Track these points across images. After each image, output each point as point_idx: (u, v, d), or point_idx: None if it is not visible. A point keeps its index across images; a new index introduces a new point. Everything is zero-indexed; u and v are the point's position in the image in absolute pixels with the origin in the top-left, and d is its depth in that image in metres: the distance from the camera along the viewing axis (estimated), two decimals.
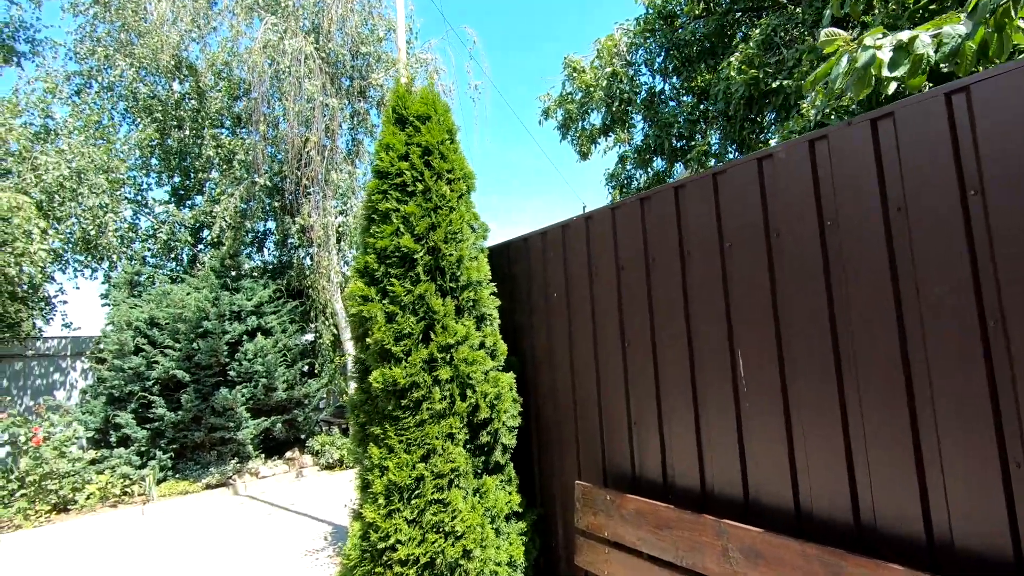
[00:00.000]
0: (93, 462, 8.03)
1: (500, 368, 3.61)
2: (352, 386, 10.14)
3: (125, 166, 9.69)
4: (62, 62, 10.69)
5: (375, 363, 3.42)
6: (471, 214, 3.75)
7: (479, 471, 3.42)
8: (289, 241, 10.76)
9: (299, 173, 9.22)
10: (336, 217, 9.88)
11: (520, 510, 3.44)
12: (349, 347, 10.21)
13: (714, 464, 2.46)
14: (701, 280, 2.54)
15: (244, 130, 11.70)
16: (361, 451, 3.56)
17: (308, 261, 10.77)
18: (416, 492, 3.15)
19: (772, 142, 5.49)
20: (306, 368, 10.43)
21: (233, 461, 8.94)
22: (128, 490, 8.04)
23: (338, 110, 9.43)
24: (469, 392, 3.37)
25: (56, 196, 8.29)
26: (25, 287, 8.81)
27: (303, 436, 10.12)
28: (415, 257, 3.44)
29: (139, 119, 10.96)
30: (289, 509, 7.52)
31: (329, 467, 9.68)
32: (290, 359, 9.68)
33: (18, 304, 9.26)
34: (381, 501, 3.17)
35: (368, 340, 3.41)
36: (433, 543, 3.08)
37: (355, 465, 3.82)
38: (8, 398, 10.29)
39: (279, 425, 9.55)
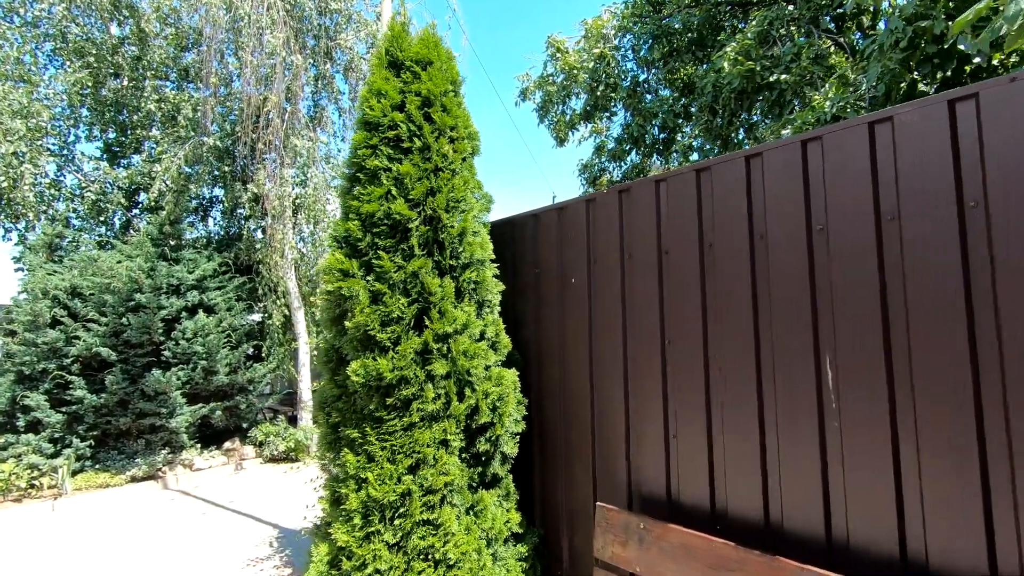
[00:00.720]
0: None
1: (502, 363, 3.08)
2: (302, 375, 9.37)
3: (49, 113, 8.49)
4: None
5: (354, 352, 2.83)
6: (475, 181, 3.19)
7: (474, 484, 2.89)
8: (239, 211, 9.77)
9: (255, 136, 8.30)
10: (293, 188, 9.01)
11: (520, 531, 2.93)
12: (301, 329, 9.40)
13: (786, 494, 2.02)
14: (778, 271, 2.09)
15: (192, 85, 10.60)
16: (332, 457, 2.96)
17: (259, 234, 9.82)
18: (401, 511, 2.59)
19: (785, 133, 5.17)
20: (252, 351, 9.54)
21: (164, 451, 8.01)
22: (36, 482, 7.03)
23: (302, 70, 8.56)
24: (468, 391, 2.82)
25: None
26: None
27: (245, 425, 9.25)
28: (409, 226, 2.85)
29: (68, 62, 9.69)
30: (227, 507, 6.74)
31: (274, 459, 8.88)
32: (235, 340, 8.77)
33: None
34: (357, 520, 2.59)
35: (347, 323, 2.80)
36: (420, 573, 2.54)
37: (322, 472, 3.21)
38: None
39: (219, 412, 8.66)
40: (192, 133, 8.86)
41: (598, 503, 2.60)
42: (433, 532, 2.60)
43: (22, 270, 8.89)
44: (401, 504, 2.59)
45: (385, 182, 2.90)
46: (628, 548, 2.37)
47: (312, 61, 9.17)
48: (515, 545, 2.92)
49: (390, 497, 2.56)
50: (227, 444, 8.99)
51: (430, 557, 2.58)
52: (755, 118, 8.48)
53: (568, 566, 2.90)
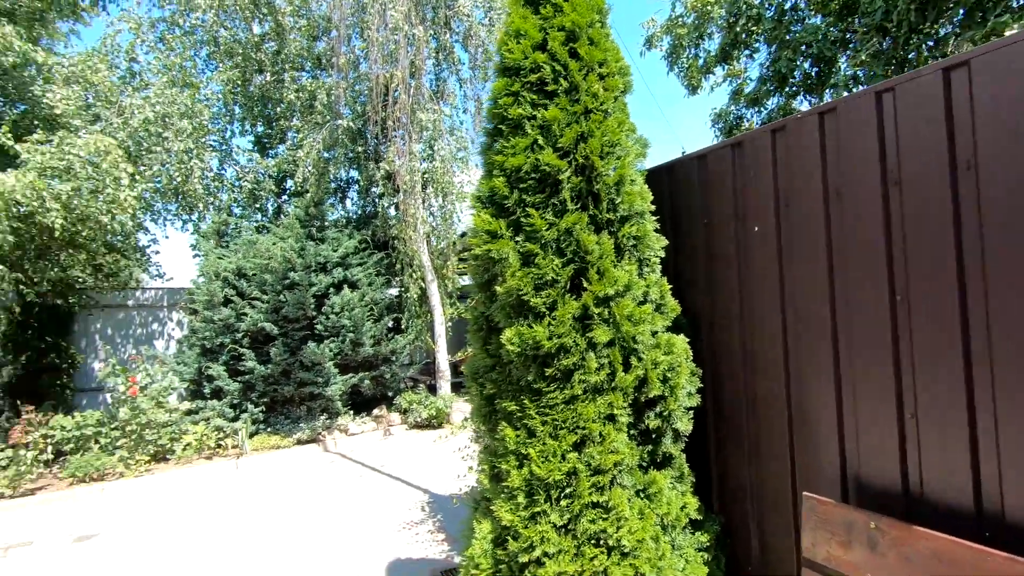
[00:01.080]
0: (189, 413, 7.99)
1: (667, 328, 2.71)
2: (439, 345, 9.66)
3: (209, 112, 9.36)
4: (145, 8, 10.41)
5: (506, 319, 2.61)
6: (629, 123, 2.80)
7: (644, 464, 2.59)
8: (373, 190, 10.22)
9: (384, 114, 8.51)
10: (421, 163, 9.15)
11: (698, 518, 2.58)
12: (436, 302, 9.66)
13: None
14: None
15: (324, 73, 11.15)
16: (486, 429, 2.81)
17: (392, 211, 10.19)
18: (568, 491, 2.36)
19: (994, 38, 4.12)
20: (391, 323, 10.00)
21: (322, 417, 8.69)
22: (222, 442, 7.95)
23: (423, 42, 8.57)
24: (634, 360, 2.50)
25: (143, 142, 8.04)
26: (119, 237, 8.76)
27: (391, 394, 9.78)
28: (559, 178, 2.55)
29: (220, 64, 10.60)
30: (380, 471, 7.12)
31: (417, 426, 9.30)
32: (377, 313, 9.25)
33: (115, 254, 9.28)
34: (521, 499, 2.40)
35: (498, 289, 2.60)
36: (592, 559, 2.30)
37: (475, 443, 3.10)
38: (117, 347, 10.61)
39: (367, 381, 9.22)
40: (328, 117, 9.31)
41: (804, 493, 2.17)
42: (604, 515, 2.35)
43: (198, 255, 10.03)
44: (567, 484, 2.36)
45: (530, 131, 2.61)
46: (852, 550, 1.93)
47: (432, 32, 9.15)
48: (693, 534, 2.59)
49: (555, 476, 2.33)
50: (375, 411, 9.56)
51: (602, 543, 2.33)
52: (943, 31, 7.02)
53: (759, 562, 2.51)
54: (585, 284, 2.50)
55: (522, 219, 2.58)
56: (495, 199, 2.71)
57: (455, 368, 10.93)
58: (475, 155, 9.87)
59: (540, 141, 2.60)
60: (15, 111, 7.86)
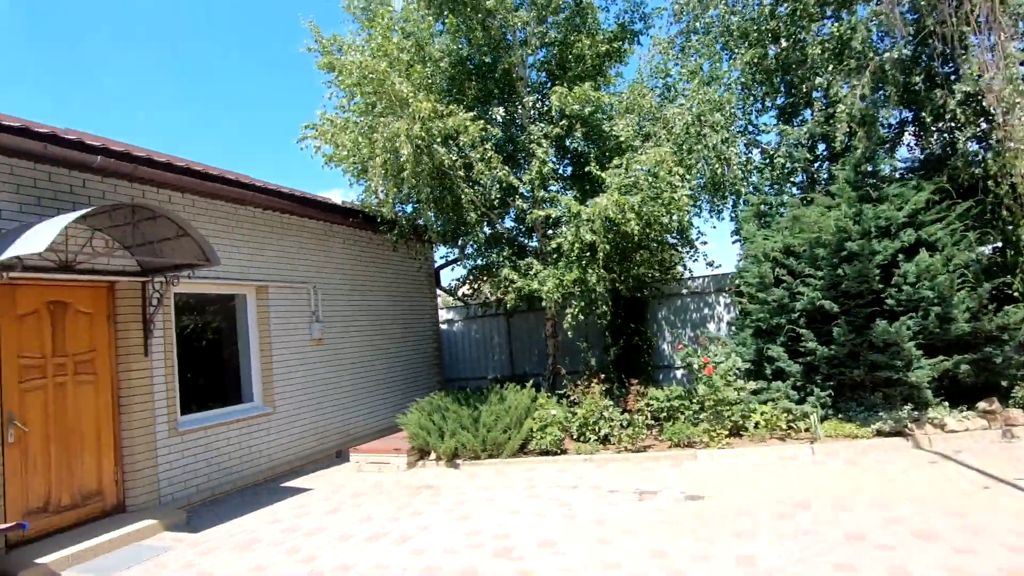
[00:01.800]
0: (755, 392, 8.17)
1: None
2: None
3: (734, 98, 9.52)
4: (665, 29, 11.53)
5: None
6: None
7: None
8: (940, 124, 8.07)
9: (955, 20, 6.53)
10: (1020, 66, 6.58)
11: None
12: None
13: None
14: None
15: (846, 12, 9.65)
16: None
17: (972, 146, 7.78)
18: None
19: None
20: (992, 291, 7.60)
21: (906, 407, 7.34)
22: (792, 425, 7.77)
23: None
24: None
25: (684, 144, 8.85)
26: (675, 234, 9.93)
27: (1003, 383, 7.42)
28: None
29: (736, 51, 10.65)
30: (1017, 486, 5.36)
31: None
32: (971, 279, 7.18)
33: (671, 250, 10.60)
34: None
35: None
36: None
37: None
38: (677, 330, 12.22)
39: (963, 366, 7.26)
40: (870, 56, 7.90)
41: None
42: None
43: (739, 241, 10.32)
44: None
45: None
46: None
47: None
48: None
49: None
50: (981, 404, 7.43)
51: None
52: None
53: None
54: None
55: None
56: None
57: None
58: None
59: None
60: (595, 148, 10.02)
